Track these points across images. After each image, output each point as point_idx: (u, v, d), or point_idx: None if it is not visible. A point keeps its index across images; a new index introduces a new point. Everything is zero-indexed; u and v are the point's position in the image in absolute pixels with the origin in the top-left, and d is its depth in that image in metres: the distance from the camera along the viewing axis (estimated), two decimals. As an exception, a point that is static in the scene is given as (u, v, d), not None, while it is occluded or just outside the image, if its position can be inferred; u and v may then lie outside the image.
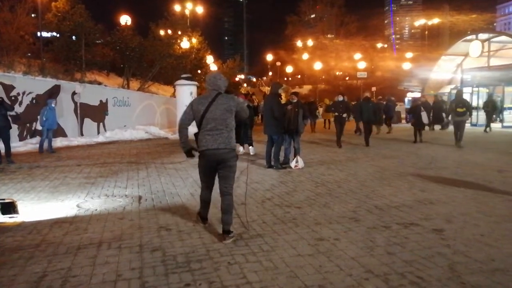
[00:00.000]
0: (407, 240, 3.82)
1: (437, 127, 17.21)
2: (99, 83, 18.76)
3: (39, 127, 11.26)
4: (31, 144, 11.52)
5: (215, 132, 3.87)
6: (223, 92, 4.04)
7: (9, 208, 4.55)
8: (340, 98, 12.25)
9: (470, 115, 13.22)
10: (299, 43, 69.54)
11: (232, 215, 3.96)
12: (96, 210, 5.02)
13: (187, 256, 3.49)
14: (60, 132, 13.31)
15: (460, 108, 11.29)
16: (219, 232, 4.03)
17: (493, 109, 17.23)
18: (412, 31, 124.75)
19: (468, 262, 3.29)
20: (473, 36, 20.76)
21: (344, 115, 12.05)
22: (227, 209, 3.87)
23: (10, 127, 9.18)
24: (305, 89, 64.60)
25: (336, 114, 11.91)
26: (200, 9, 31.04)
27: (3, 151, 8.90)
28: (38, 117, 10.97)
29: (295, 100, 8.16)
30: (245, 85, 52.15)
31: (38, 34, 19.78)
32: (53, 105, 10.73)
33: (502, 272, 3.11)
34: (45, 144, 10.70)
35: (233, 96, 4.20)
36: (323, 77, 66.21)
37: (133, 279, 3.05)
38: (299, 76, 77.73)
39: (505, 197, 5.48)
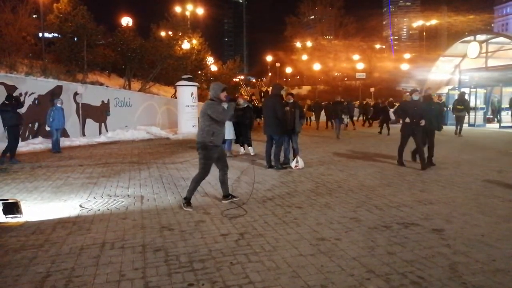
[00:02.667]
0: (408, 240, 3.85)
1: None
2: (101, 84, 18.77)
3: (47, 128, 11.21)
4: (33, 144, 11.55)
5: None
6: (214, 97, 5.12)
7: (13, 208, 4.57)
8: (416, 97, 8.01)
9: (468, 113, 14.47)
10: (298, 44, 69.64)
11: (226, 185, 5.39)
12: (99, 210, 5.05)
13: (189, 256, 3.51)
14: (62, 132, 13.35)
15: (459, 106, 14.55)
16: (221, 233, 4.13)
17: None
18: (410, 32, 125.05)
19: (469, 262, 3.32)
20: (471, 37, 20.80)
21: (422, 122, 7.71)
22: (222, 181, 5.38)
23: (21, 126, 9.17)
24: (304, 89, 64.72)
25: (407, 121, 7.84)
26: (200, 11, 31.15)
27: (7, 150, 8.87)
28: (46, 118, 10.97)
29: (291, 101, 8.40)
30: (244, 85, 52.00)
31: (40, 35, 19.80)
32: (59, 105, 10.76)
33: (504, 273, 3.13)
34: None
35: (211, 102, 5.10)
36: (322, 78, 66.26)
37: (136, 279, 3.07)
38: (298, 77, 77.82)
39: (505, 197, 5.51)
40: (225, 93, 5.21)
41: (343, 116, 15.25)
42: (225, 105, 5.15)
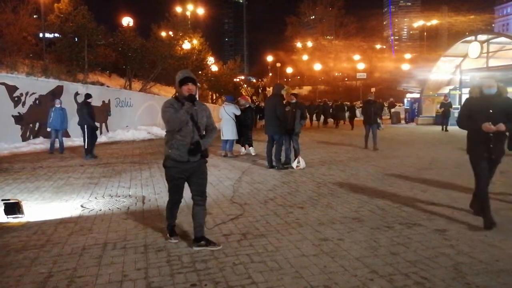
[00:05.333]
0: (410, 241, 3.84)
1: None
2: (102, 84, 18.77)
3: (48, 129, 11.25)
4: (34, 145, 11.54)
5: None
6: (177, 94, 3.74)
7: (14, 208, 4.57)
8: (491, 89, 4.54)
9: None
10: (298, 44, 69.67)
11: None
12: (100, 210, 5.04)
13: (192, 256, 3.50)
14: (63, 133, 13.33)
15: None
16: (223, 233, 4.11)
17: None
18: (411, 32, 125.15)
19: (472, 263, 3.31)
20: (472, 37, 20.74)
21: (501, 127, 4.07)
22: (194, 215, 3.81)
23: (93, 126, 9.52)
24: (305, 89, 64.77)
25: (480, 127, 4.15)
26: (201, 11, 31.18)
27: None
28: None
29: (294, 101, 8.42)
30: (245, 85, 51.97)
31: (41, 35, 19.79)
32: (57, 106, 10.66)
33: (507, 273, 3.12)
34: (56, 145, 10.71)
35: (165, 102, 3.65)
36: (323, 78, 66.28)
37: (139, 280, 3.07)
38: (298, 77, 77.84)
39: (507, 198, 5.50)
40: (189, 85, 3.45)
41: (378, 121, 11.72)
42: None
